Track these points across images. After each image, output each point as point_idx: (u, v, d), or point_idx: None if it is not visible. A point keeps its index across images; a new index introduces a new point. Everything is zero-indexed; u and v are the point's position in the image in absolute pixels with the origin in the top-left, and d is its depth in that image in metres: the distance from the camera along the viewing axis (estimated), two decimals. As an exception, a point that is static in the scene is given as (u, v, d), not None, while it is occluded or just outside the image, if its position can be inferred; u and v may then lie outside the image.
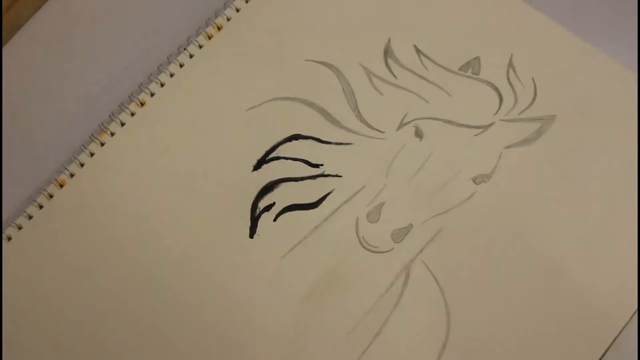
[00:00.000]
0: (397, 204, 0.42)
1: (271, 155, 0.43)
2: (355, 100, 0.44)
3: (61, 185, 0.42)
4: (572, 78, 0.44)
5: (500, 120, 0.43)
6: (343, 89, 0.44)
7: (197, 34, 0.45)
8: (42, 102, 0.45)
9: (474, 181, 0.42)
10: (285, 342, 0.39)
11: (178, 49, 0.45)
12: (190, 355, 0.39)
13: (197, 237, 0.41)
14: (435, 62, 0.44)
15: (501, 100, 0.44)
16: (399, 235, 0.41)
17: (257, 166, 0.43)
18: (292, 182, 0.42)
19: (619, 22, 0.46)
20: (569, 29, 0.45)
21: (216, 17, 0.45)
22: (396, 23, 0.45)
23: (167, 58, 0.45)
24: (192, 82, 0.44)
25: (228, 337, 0.40)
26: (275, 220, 0.42)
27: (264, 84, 0.44)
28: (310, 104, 0.44)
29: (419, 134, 0.43)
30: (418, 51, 0.45)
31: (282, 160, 0.43)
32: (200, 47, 0.45)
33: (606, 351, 0.39)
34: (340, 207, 0.42)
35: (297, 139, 0.43)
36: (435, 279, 0.40)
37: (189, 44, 0.45)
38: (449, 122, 0.43)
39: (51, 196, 0.42)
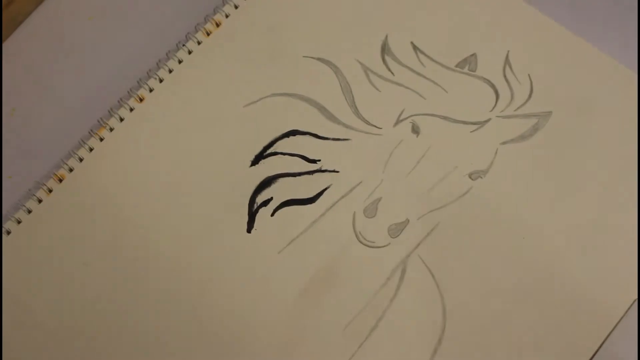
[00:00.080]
0: (394, 200, 0.42)
1: (269, 151, 0.43)
2: (352, 96, 0.44)
3: (60, 180, 0.42)
4: (568, 75, 0.44)
5: (497, 116, 0.43)
6: (340, 85, 0.44)
7: (196, 31, 0.45)
8: (42, 98, 0.45)
9: (470, 177, 0.42)
10: (281, 336, 0.40)
11: (177, 46, 0.45)
12: (186, 349, 0.39)
13: (195, 232, 0.41)
14: (432, 59, 0.45)
15: (497, 96, 0.44)
16: (396, 230, 0.41)
17: (255, 161, 0.43)
18: (290, 178, 0.42)
19: (617, 19, 0.46)
20: (566, 27, 0.45)
21: (214, 13, 0.46)
22: (393, 20, 0.45)
23: (166, 54, 0.45)
24: (190, 78, 0.44)
25: (225, 331, 0.40)
26: (272, 215, 0.42)
27: (261, 80, 0.44)
28: (307, 100, 0.44)
29: (415, 130, 0.43)
30: (415, 48, 0.45)
31: (279, 155, 0.43)
32: (198, 43, 0.45)
33: (600, 347, 0.39)
34: (337, 202, 0.42)
35: (294, 135, 0.43)
36: (431, 274, 0.41)
37: (187, 41, 0.45)
38: (446, 118, 0.43)
39: (50, 191, 0.42)
